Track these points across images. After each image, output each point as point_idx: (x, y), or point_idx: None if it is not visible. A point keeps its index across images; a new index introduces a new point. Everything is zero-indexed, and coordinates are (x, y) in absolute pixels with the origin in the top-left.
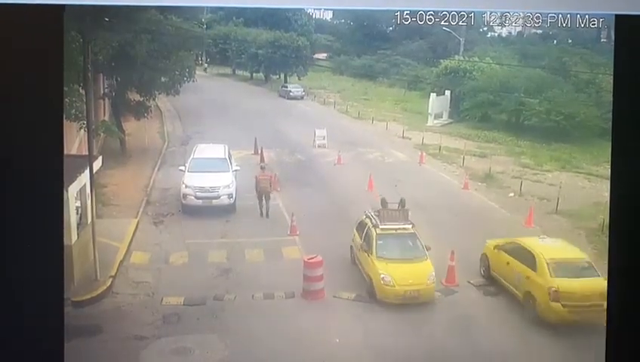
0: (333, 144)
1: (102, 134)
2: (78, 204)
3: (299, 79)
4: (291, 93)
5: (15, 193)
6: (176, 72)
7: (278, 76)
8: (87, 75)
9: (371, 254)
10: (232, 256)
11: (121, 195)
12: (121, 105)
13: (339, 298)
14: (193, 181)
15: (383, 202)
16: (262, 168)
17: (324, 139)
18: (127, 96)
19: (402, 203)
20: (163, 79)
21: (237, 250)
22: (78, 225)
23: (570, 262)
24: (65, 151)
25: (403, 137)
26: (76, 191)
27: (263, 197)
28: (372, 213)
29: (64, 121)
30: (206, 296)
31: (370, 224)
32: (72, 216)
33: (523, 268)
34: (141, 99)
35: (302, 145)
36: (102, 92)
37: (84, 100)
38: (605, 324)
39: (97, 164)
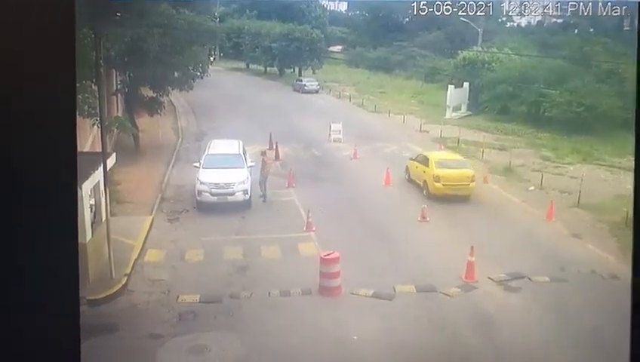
0: (349, 138)
1: (115, 130)
2: (92, 201)
3: (313, 72)
4: (306, 87)
5: (28, 191)
6: (190, 68)
7: (292, 70)
8: (100, 71)
9: (428, 166)
10: (248, 253)
11: (135, 192)
12: (134, 101)
13: (356, 294)
14: (208, 177)
15: None
16: (265, 153)
17: (339, 133)
18: (140, 92)
19: None
20: (176, 74)
21: (253, 246)
22: (93, 223)
23: (448, 160)
24: (78, 148)
25: (420, 130)
26: (90, 189)
27: (266, 181)
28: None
29: (77, 117)
30: (222, 294)
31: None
32: (86, 214)
33: (423, 167)
34: (154, 94)
35: (317, 139)
36: (115, 88)
37: (97, 96)
38: (630, 322)
39: (111, 161)
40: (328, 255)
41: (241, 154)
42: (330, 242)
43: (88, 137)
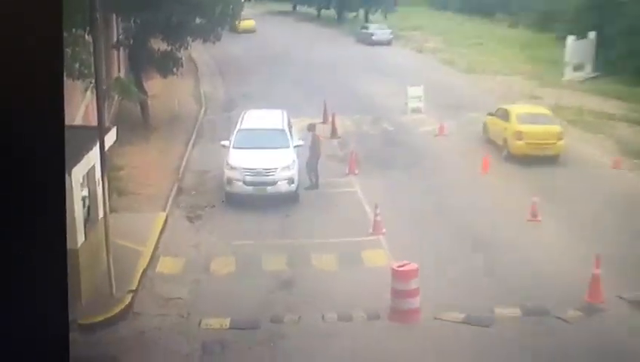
0: (434, 108)
1: (116, 97)
2: (86, 193)
3: (385, 18)
4: (374, 37)
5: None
6: (217, 10)
7: (355, 13)
8: (95, 16)
9: (509, 121)
10: (295, 263)
11: (143, 181)
12: (141, 58)
13: (441, 319)
14: (241, 161)
15: None
16: (314, 127)
17: (420, 100)
18: (149, 45)
19: None
20: (198, 20)
21: (301, 254)
22: (86, 221)
23: (531, 114)
24: (66, 122)
25: (530, 97)
26: (82, 176)
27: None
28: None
29: (64, 79)
30: (260, 317)
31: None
32: (77, 210)
33: (502, 123)
34: (169, 48)
35: (389, 109)
36: (115, 39)
37: (92, 51)
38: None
39: (111, 139)
40: (403, 266)
41: (286, 129)
42: (406, 249)
43: (80, 106)
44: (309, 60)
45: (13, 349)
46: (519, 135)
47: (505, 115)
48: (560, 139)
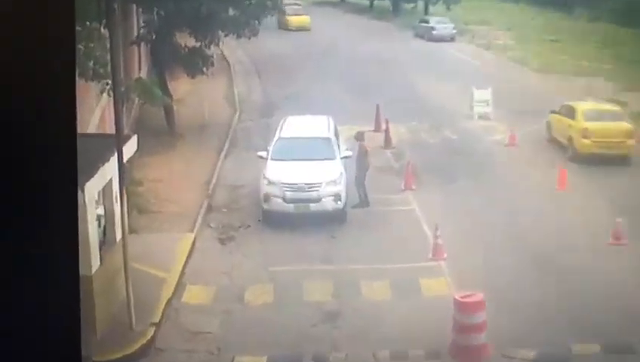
0: (503, 113)
1: (137, 100)
2: (101, 211)
3: (448, 9)
4: (435, 32)
5: (2, 196)
6: (252, 0)
7: (413, 5)
8: (112, 7)
9: (575, 118)
10: (342, 292)
11: (167, 197)
12: (166, 55)
13: (509, 357)
14: (280, 174)
15: None
16: (361, 136)
17: (487, 105)
18: (175, 40)
19: None
20: (231, 11)
21: (349, 281)
22: (102, 243)
23: (599, 111)
24: (79, 129)
25: (614, 101)
26: (97, 192)
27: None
28: None
29: (77, 80)
30: (302, 354)
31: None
32: (91, 231)
33: (567, 120)
34: (197, 44)
35: (452, 114)
36: (136, 33)
37: (108, 47)
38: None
39: (130, 148)
40: (468, 296)
41: (332, 137)
42: (471, 276)
43: (94, 111)
44: (360, 58)
45: None
46: (585, 132)
47: (570, 112)
48: (630, 137)
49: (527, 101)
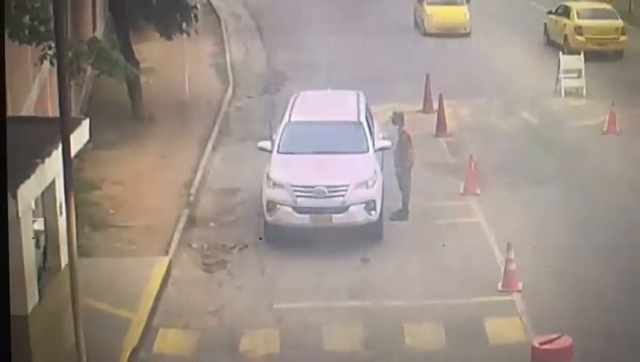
0: (600, 90)
1: (90, 70)
2: (40, 225)
3: None
4: None
5: None
6: None
7: None
8: None
9: (570, 17)
10: (377, 338)
11: (132, 205)
12: (130, 7)
13: None
14: (290, 173)
15: None
16: (401, 117)
17: (579, 76)
18: None
19: None
20: None
21: (386, 323)
22: (41, 271)
23: (592, 9)
24: (8, 111)
25: None
26: (35, 199)
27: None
28: None
29: (5, 41)
30: None
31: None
32: (25, 254)
33: (563, 20)
34: None
35: (531, 89)
36: None
37: None
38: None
39: (81, 138)
40: (550, 341)
41: (363, 121)
42: (554, 313)
43: (31, 86)
44: (398, 15)
45: None
46: (579, 30)
47: (566, 12)
48: (623, 34)
49: (629, 72)
